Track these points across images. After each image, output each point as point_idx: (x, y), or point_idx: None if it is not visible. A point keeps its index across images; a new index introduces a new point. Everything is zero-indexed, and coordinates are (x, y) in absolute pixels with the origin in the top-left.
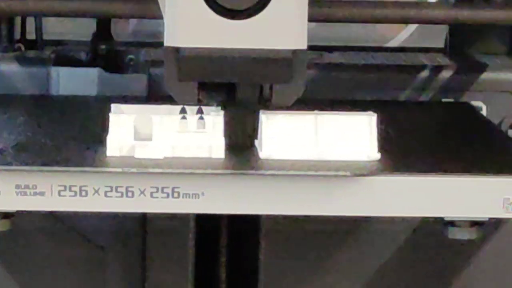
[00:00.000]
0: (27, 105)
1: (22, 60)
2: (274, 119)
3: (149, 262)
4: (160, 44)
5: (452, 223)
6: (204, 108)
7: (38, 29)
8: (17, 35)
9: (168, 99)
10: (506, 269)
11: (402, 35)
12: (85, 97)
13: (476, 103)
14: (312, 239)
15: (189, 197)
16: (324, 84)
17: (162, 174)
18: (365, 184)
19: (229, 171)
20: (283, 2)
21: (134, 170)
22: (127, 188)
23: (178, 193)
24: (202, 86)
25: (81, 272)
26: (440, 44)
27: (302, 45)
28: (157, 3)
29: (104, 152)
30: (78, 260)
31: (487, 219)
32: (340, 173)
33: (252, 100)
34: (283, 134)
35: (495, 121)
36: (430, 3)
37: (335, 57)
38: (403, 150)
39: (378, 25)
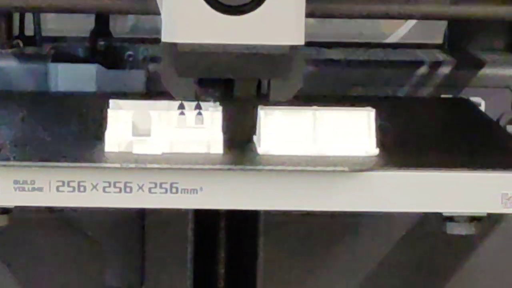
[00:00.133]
0: (26, 101)
1: (21, 56)
2: (273, 114)
3: (147, 257)
4: (159, 40)
5: (450, 219)
6: (202, 103)
7: (37, 25)
8: (16, 31)
9: (166, 95)
10: (504, 264)
11: (400, 31)
12: (84, 93)
13: (474, 99)
14: (311, 234)
15: (187, 192)
16: (323, 80)
17: (160, 169)
18: (364, 180)
19: (227, 166)
20: None
21: (132, 165)
22: (125, 183)
23: (177, 188)
24: (200, 81)
25: (79, 267)
26: (439, 40)
27: (300, 40)
28: None
29: (103, 147)
30: (76, 256)
31: (485, 215)
32: (338, 168)
33: (250, 95)
34: (282, 129)
35: (494, 116)
36: None
37: (334, 53)
38: (402, 145)
39: (377, 21)
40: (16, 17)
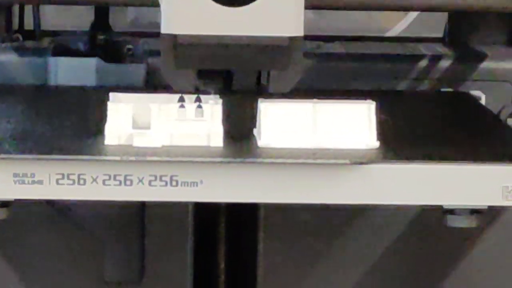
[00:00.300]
0: (26, 95)
1: (20, 50)
2: (273, 107)
3: (147, 250)
4: (159, 34)
5: (451, 211)
6: (202, 96)
7: (36, 19)
8: (15, 25)
9: (166, 89)
10: (505, 257)
11: (401, 25)
12: (84, 87)
13: (475, 93)
14: (311, 227)
15: (187, 185)
16: (323, 74)
17: (160, 162)
18: (364, 172)
19: (227, 159)
20: None
21: (132, 158)
22: (125, 176)
23: (177, 181)
24: (200, 73)
25: (80, 260)
26: (439, 33)
27: (299, 32)
28: None
29: (103, 140)
30: (76, 249)
31: (486, 207)
32: (339, 161)
33: (249, 87)
34: (282, 122)
35: (494, 110)
36: None
37: (334, 47)
38: (402, 138)
39: (377, 15)
40: (16, 11)
